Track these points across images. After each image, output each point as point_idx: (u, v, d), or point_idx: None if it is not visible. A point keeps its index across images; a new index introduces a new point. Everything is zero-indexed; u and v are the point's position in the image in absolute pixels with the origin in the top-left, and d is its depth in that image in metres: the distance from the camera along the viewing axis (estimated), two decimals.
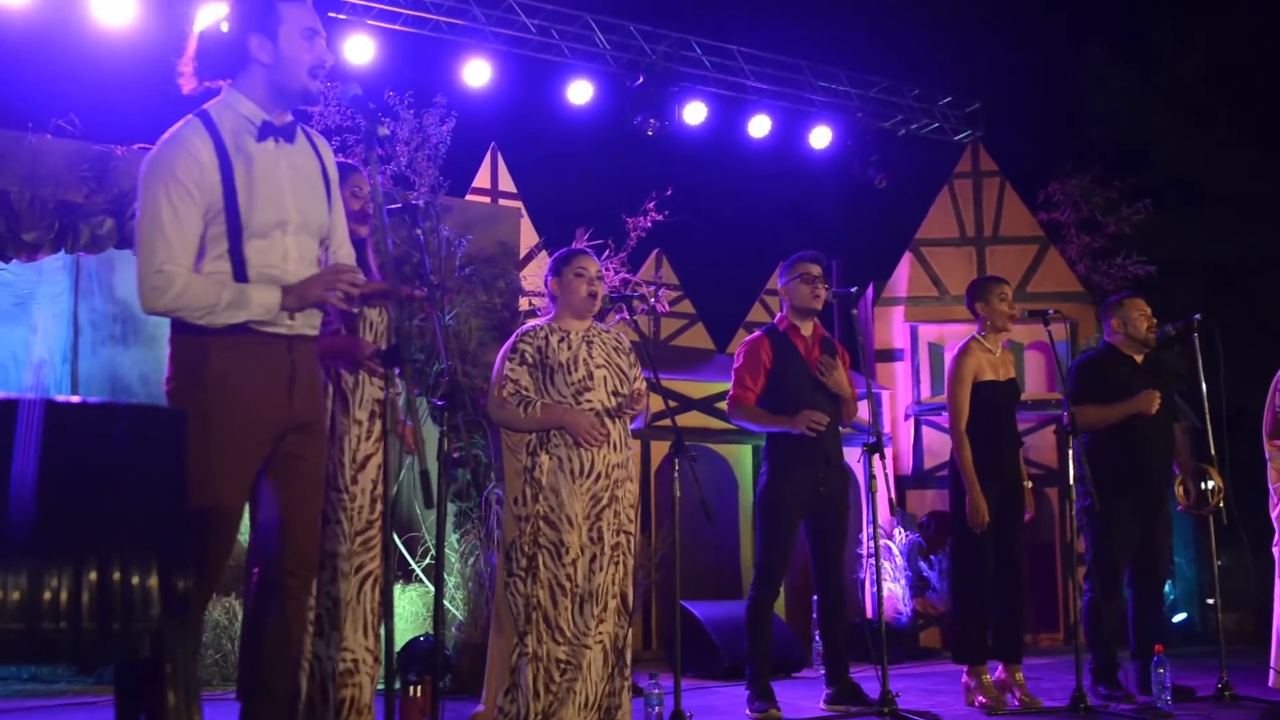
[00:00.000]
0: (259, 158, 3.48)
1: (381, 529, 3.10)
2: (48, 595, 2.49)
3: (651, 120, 10.18)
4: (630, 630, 4.99)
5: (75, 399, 2.54)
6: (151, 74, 8.05)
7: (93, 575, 2.53)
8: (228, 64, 3.54)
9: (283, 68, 3.51)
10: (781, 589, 8.66)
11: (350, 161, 4.95)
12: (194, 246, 3.39)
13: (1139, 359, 6.48)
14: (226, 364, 3.40)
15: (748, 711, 5.72)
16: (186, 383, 3.43)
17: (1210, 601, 11.03)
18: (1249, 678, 6.68)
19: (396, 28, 9.25)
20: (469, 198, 9.42)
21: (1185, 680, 6.30)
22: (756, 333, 6.20)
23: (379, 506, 4.46)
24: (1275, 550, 6.60)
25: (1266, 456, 6.68)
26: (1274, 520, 6.61)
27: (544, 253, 9.20)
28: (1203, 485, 6.40)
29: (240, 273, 3.43)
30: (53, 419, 2.52)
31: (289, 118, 3.60)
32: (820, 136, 11.24)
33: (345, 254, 3.73)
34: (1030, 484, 6.31)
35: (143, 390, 7.90)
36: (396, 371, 3.33)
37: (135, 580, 2.57)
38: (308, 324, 3.57)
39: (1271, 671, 6.56)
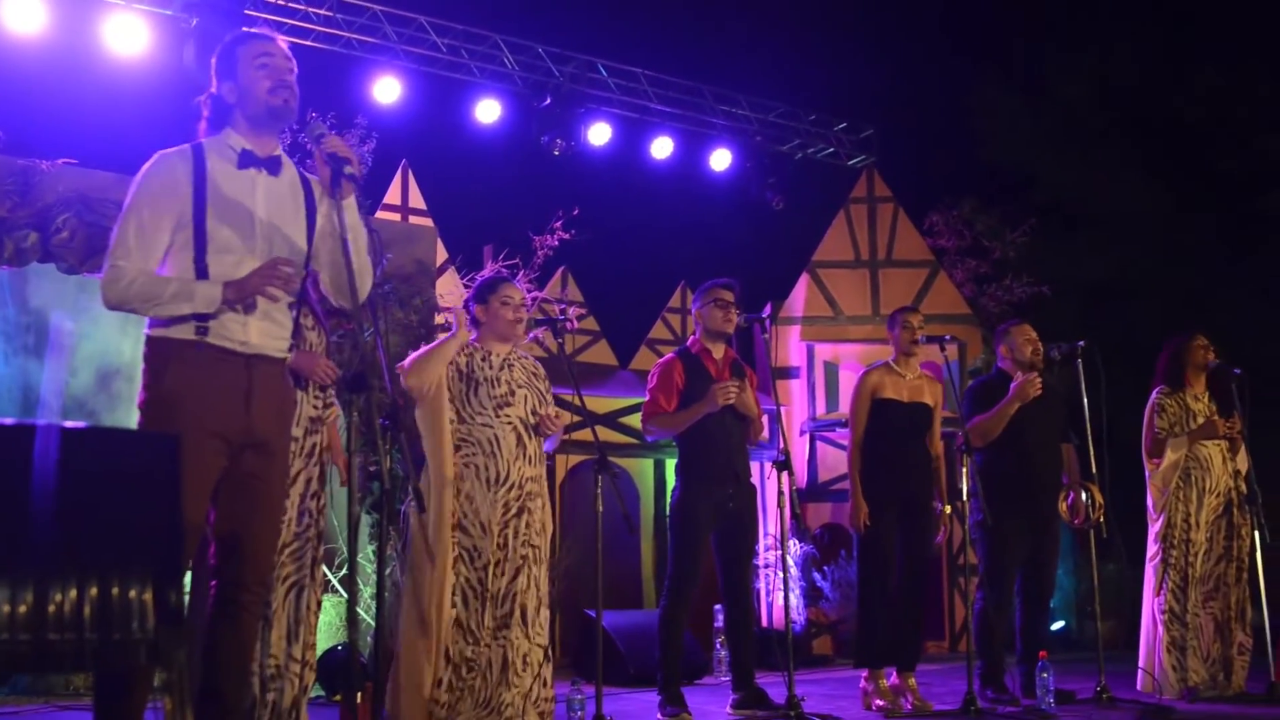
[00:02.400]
0: (234, 182, 3.76)
1: (350, 543, 3.30)
2: (53, 608, 2.67)
3: (558, 140, 10.42)
4: (540, 640, 5.23)
5: (81, 425, 2.72)
6: (73, 88, 8.15)
7: (94, 589, 2.71)
8: (219, 117, 3.86)
9: (246, 97, 3.81)
10: None
11: None
12: (153, 252, 3.68)
13: None
14: (182, 379, 3.63)
15: (660, 716, 5.96)
16: (150, 397, 3.68)
17: (1089, 609, 11.56)
18: (1124, 681, 7.11)
19: (308, 44, 9.37)
20: (380, 214, 9.55)
21: (1066, 684, 6.67)
22: (670, 355, 6.48)
23: (306, 520, 4.65)
24: (1149, 565, 7.03)
25: (1146, 475, 7.12)
26: (1150, 536, 7.04)
27: (453, 269, 9.39)
28: (1083, 500, 6.78)
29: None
30: (58, 444, 2.70)
31: (276, 151, 3.88)
32: (720, 159, 11.58)
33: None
34: (949, 509, 6.65)
35: (55, 402, 7.93)
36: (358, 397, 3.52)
37: (132, 593, 2.75)
38: (271, 345, 3.77)
39: (1140, 673, 7.01)
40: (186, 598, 4.26)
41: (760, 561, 10.01)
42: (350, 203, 3.74)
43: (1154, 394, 7.14)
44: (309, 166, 3.86)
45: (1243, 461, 7.02)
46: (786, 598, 6.21)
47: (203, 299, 3.63)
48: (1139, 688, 6.95)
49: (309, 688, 4.67)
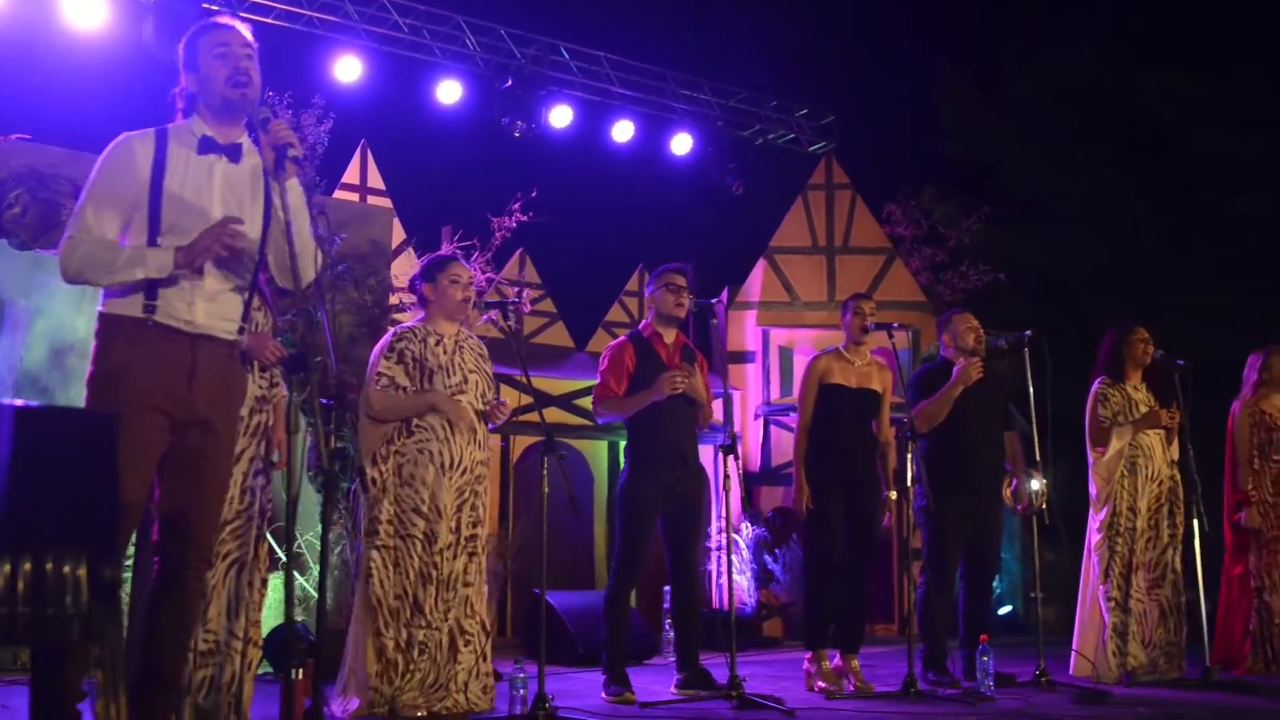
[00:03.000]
0: (192, 168, 3.85)
1: (287, 522, 3.36)
2: None
3: (519, 122, 10.45)
4: (480, 614, 5.34)
5: (18, 403, 2.76)
6: (29, 63, 8.12)
7: (28, 565, 2.76)
8: (189, 107, 3.99)
9: (206, 88, 3.91)
10: None
11: None
12: (109, 229, 3.78)
13: None
14: (128, 355, 3.72)
15: (604, 695, 6.04)
16: (96, 371, 3.77)
17: (1033, 595, 11.72)
18: (1063, 665, 7.22)
19: (270, 21, 9.35)
20: (338, 193, 9.57)
21: (1008, 667, 6.79)
22: (622, 338, 6.54)
23: (249, 498, 4.66)
24: (1092, 552, 7.13)
25: (1090, 463, 7.23)
26: (1094, 524, 7.14)
27: (411, 249, 9.42)
28: (1027, 487, 6.88)
29: None
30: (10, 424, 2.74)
31: (239, 139, 3.96)
32: (681, 143, 11.63)
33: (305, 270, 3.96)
34: (894, 495, 6.73)
35: (9, 378, 7.92)
36: (300, 376, 3.58)
37: (66, 569, 2.80)
38: (218, 326, 3.84)
39: (1074, 656, 7.11)
40: (129, 574, 4.32)
41: (711, 544, 10.10)
42: (294, 184, 3.80)
43: (1095, 384, 7.24)
44: None
45: (1176, 451, 7.14)
46: (730, 580, 6.28)
47: (155, 264, 3.71)
48: (1071, 672, 7.06)
49: (254, 664, 4.71)
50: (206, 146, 3.87)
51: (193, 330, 3.79)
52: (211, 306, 3.83)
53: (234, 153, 3.92)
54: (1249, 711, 5.82)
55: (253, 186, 3.95)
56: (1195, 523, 6.94)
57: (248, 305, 3.97)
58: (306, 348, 3.41)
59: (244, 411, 4.67)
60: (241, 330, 3.95)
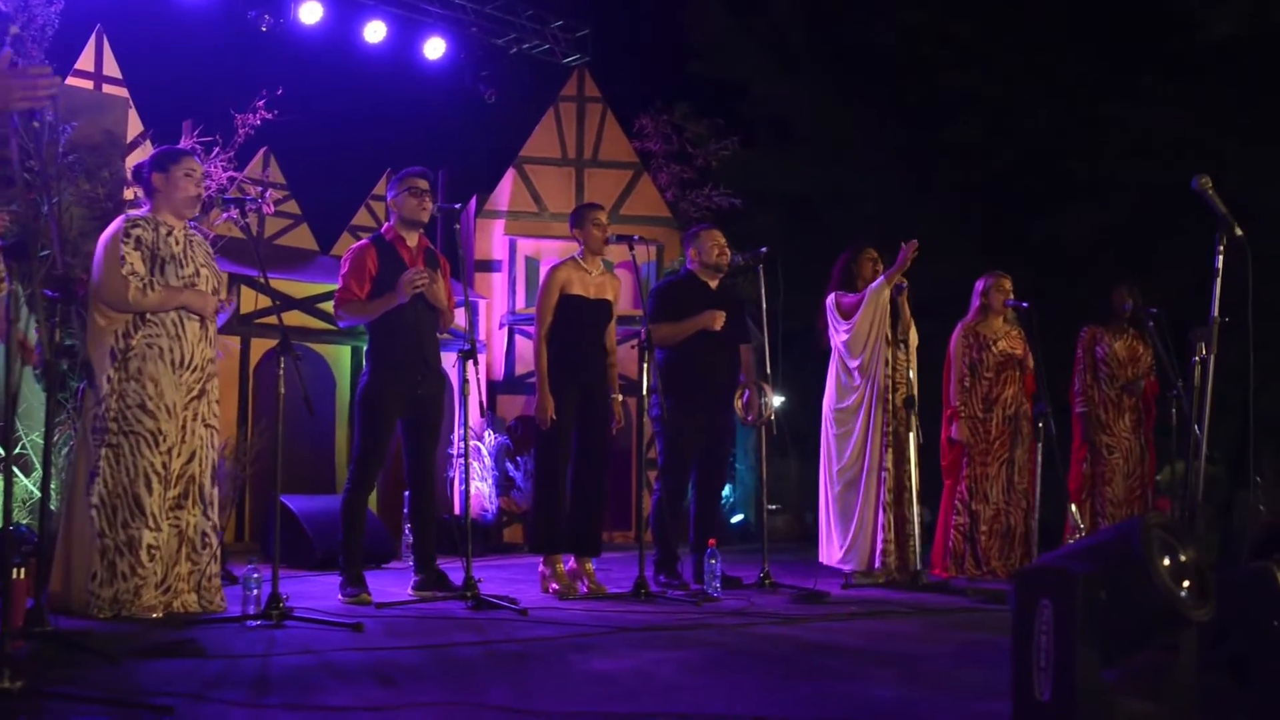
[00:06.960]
0: None
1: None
2: None
3: (266, 16, 10.17)
4: (214, 518, 5.39)
5: None
6: None
7: None
8: None
9: None
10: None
11: None
12: None
13: (713, 284, 7.18)
14: None
15: (340, 596, 6.06)
16: None
17: (773, 507, 12.18)
18: (790, 569, 7.57)
19: None
20: (71, 80, 9.12)
21: (738, 572, 7.10)
22: (364, 240, 6.48)
23: None
24: (822, 463, 7.45)
25: (833, 370, 7.52)
26: (823, 440, 7.47)
27: (149, 143, 9.07)
28: (759, 399, 7.14)
29: None
30: None
31: None
32: (434, 48, 11.51)
33: None
34: (620, 398, 6.89)
35: None
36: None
37: None
38: None
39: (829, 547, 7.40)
40: None
41: (454, 450, 10.15)
42: None
43: (830, 296, 7.51)
44: None
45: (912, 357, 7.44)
46: (466, 482, 6.36)
47: None
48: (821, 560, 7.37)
49: None
50: None
51: None
52: None
53: None
54: (949, 609, 6.19)
55: None
56: (912, 435, 7.28)
57: None
58: (30, 234, 3.29)
59: None
60: None
